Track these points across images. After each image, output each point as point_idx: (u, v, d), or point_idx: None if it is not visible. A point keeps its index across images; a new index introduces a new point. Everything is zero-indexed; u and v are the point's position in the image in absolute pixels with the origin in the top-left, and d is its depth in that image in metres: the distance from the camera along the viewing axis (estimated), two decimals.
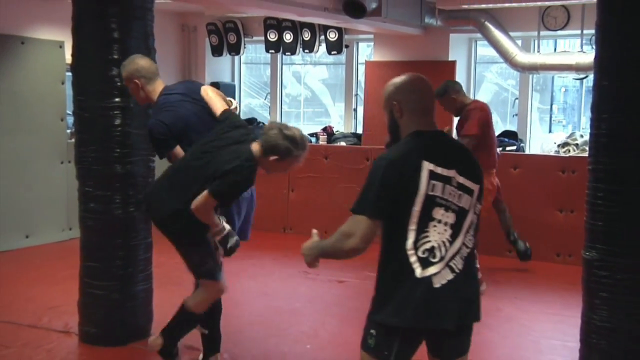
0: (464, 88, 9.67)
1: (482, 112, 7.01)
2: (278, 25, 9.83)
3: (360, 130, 9.96)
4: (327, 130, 10.06)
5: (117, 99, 5.27)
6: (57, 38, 8.59)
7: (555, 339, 5.70)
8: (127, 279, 5.37)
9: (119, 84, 5.24)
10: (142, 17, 5.36)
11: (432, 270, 3.03)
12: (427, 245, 3.06)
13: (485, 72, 10.28)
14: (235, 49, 10.45)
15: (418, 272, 3.05)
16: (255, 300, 6.80)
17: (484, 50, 9.76)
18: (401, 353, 3.17)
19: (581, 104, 9.92)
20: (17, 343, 5.46)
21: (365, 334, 3.30)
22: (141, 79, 4.67)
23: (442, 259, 3.05)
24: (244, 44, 10.47)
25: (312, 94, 12.17)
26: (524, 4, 8.40)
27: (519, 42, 8.99)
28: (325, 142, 9.81)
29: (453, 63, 9.36)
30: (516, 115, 9.76)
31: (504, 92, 10.55)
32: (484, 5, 8.50)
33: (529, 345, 5.72)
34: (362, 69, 10.17)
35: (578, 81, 9.23)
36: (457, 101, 7.10)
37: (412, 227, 3.07)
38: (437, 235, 3.07)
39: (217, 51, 10.50)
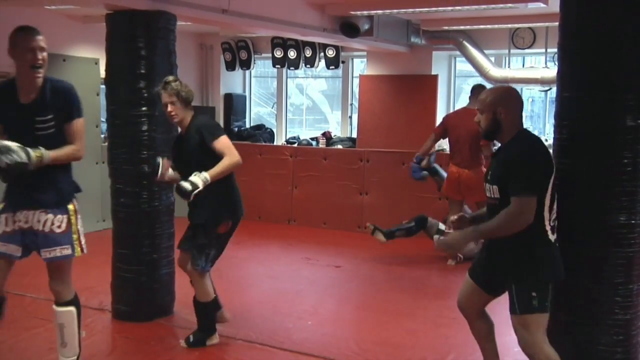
0: (445, 99, 9.78)
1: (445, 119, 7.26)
2: (283, 43, 9.82)
3: (354, 135, 9.95)
4: (326, 135, 10.06)
5: (144, 108, 5.27)
6: (93, 56, 8.59)
7: None
8: (153, 264, 5.38)
9: (145, 95, 5.25)
10: (166, 37, 5.37)
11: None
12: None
13: (463, 85, 10.26)
14: (246, 65, 10.45)
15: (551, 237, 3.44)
16: (262, 282, 6.80)
17: (462, 65, 9.76)
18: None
19: (546, 112, 9.90)
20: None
21: (528, 298, 3.37)
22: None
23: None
24: (254, 60, 10.47)
25: (313, 104, 12.15)
26: (496, 26, 8.45)
27: (492, 58, 8.99)
28: (325, 145, 9.81)
29: (435, 77, 9.36)
30: None
31: None
32: (462, 27, 8.55)
33: (500, 320, 5.69)
34: (356, 81, 10.17)
35: (543, 93, 9.20)
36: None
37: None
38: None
39: (230, 66, 10.49)
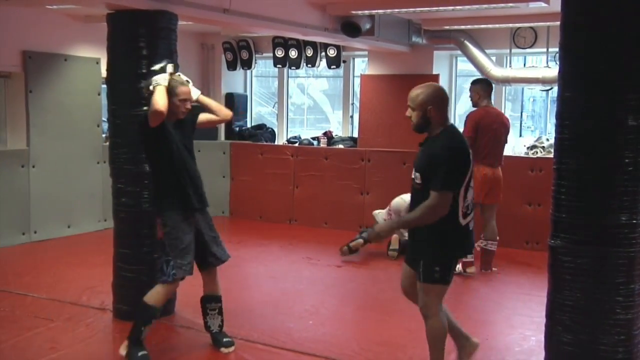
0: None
1: (477, 118, 6.75)
2: (285, 43, 9.82)
3: (356, 134, 9.95)
4: (327, 135, 10.05)
5: (144, 108, 5.22)
6: (94, 55, 8.58)
7: (525, 315, 5.68)
8: (154, 264, 5.33)
9: (146, 94, 5.25)
10: (167, 37, 5.38)
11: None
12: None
13: (464, 84, 10.26)
14: (247, 64, 10.44)
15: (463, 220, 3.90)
16: (264, 282, 6.81)
17: (463, 65, 9.76)
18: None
19: (547, 112, 9.91)
20: (61, 317, 5.48)
21: (431, 271, 3.92)
22: None
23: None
24: (255, 60, 10.46)
25: (314, 103, 12.17)
26: (497, 25, 8.43)
27: (494, 58, 8.98)
28: (326, 145, 9.79)
29: (436, 76, 9.34)
30: None
31: None
32: (463, 27, 8.53)
33: (502, 321, 5.72)
34: (357, 81, 10.17)
35: (544, 92, 9.19)
36: (478, 97, 6.82)
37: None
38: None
39: (231, 66, 10.49)
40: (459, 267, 6.80)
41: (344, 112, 10.52)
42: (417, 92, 3.98)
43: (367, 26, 7.82)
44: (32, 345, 4.85)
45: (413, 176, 4.01)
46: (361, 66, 10.36)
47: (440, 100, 3.95)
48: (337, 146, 9.71)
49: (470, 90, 6.97)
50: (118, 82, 5.38)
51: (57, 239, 8.22)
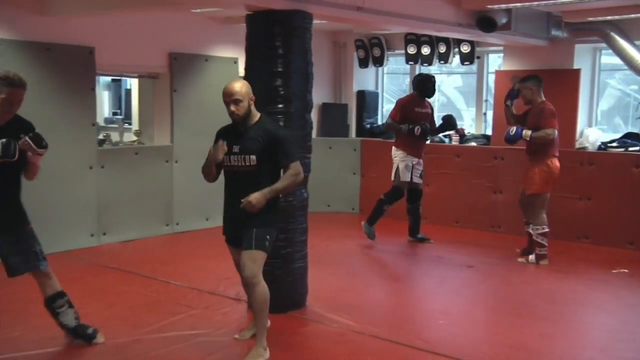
0: (588, 93, 9.34)
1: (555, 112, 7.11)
2: (417, 39, 9.74)
3: (489, 132, 9.72)
4: (459, 132, 9.87)
5: (280, 105, 5.38)
6: (232, 55, 8.89)
7: None
8: (287, 258, 5.47)
9: (282, 92, 5.36)
10: (302, 35, 5.46)
11: None
12: None
13: (608, 79, 9.78)
14: (379, 62, 10.45)
15: None
16: (394, 279, 6.81)
17: (607, 58, 9.27)
18: None
19: None
20: (200, 305, 5.69)
21: (263, 239, 4.37)
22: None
23: None
24: (387, 57, 10.45)
25: (448, 100, 11.95)
26: None
27: None
28: (458, 143, 9.64)
29: (577, 71, 8.94)
30: (639, 118, 9.22)
31: (626, 97, 9.99)
32: (609, 17, 8.04)
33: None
34: (492, 77, 9.91)
35: None
36: (532, 93, 7.17)
37: None
38: None
39: (363, 63, 10.53)
40: (531, 257, 7.18)
41: (477, 109, 10.29)
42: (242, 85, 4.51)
43: (504, 20, 7.60)
44: (174, 330, 5.05)
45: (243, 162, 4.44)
46: (497, 62, 10.09)
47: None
48: (469, 144, 9.52)
49: (522, 88, 7.19)
50: (254, 81, 5.39)
51: (197, 231, 8.54)
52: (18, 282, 4.67)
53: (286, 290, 5.48)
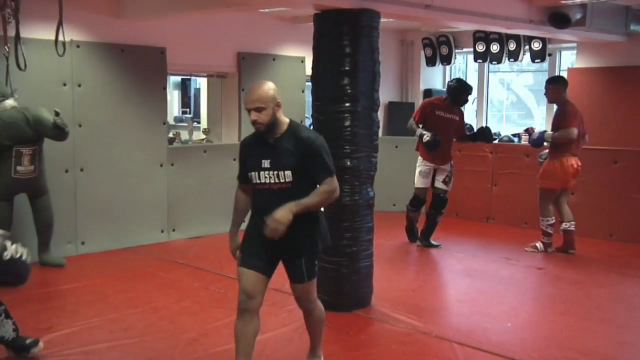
0: None
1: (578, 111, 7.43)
2: (486, 37, 9.59)
3: None
4: (529, 131, 9.65)
5: (347, 104, 5.38)
6: (300, 54, 8.95)
7: None
8: (353, 256, 5.47)
9: (349, 91, 5.35)
10: (369, 34, 5.44)
11: None
12: None
13: None
14: (446, 60, 10.33)
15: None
16: (460, 280, 6.71)
17: None
18: None
19: None
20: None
21: (313, 267, 3.87)
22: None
23: None
24: (455, 55, 10.32)
25: (518, 99, 11.76)
26: None
27: None
28: (527, 142, 9.45)
29: None
30: None
31: None
32: None
33: None
34: (564, 75, 9.67)
35: None
36: (559, 94, 7.42)
37: None
38: None
39: (430, 62, 10.43)
40: (539, 244, 7.58)
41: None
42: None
43: (578, 16, 7.40)
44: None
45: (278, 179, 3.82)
46: (570, 59, 9.84)
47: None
48: None
49: (549, 89, 7.43)
50: (322, 79, 5.52)
51: None
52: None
53: (351, 288, 5.49)
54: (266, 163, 3.75)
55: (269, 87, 3.77)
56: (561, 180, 7.37)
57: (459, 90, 7.58)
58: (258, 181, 3.79)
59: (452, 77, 8.24)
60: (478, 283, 6.54)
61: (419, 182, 7.69)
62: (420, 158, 7.70)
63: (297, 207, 3.61)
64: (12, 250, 2.88)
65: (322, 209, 3.88)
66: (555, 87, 7.44)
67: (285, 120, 3.84)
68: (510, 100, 11.48)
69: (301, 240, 3.78)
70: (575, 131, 7.23)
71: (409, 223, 8.00)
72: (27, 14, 6.14)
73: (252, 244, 3.88)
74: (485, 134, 7.85)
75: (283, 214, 3.57)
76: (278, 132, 3.77)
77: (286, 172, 3.71)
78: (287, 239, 3.67)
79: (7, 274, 2.88)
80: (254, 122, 3.73)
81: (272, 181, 3.73)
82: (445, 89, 10.83)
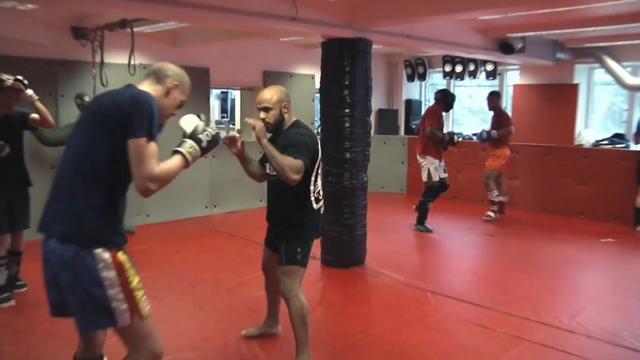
0: (584, 104, 9.07)
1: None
2: (452, 60, 9.55)
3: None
4: (477, 134, 9.54)
5: (347, 110, 5.38)
6: (310, 72, 8.91)
7: None
8: (351, 226, 5.49)
9: (348, 100, 5.35)
10: (364, 57, 5.44)
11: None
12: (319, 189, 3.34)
13: (601, 93, 9.40)
14: (422, 77, 10.30)
15: (315, 206, 3.32)
16: (433, 244, 6.69)
17: (599, 75, 8.91)
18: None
19: None
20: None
21: (294, 254, 3.26)
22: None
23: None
24: (428, 74, 10.29)
25: (479, 107, 11.69)
26: (634, 42, 7.56)
27: (629, 69, 8.14)
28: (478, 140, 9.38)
29: (576, 85, 8.66)
30: (624, 122, 8.88)
31: (614, 106, 9.60)
32: (602, 44, 7.79)
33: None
34: (510, 89, 9.65)
35: None
36: (497, 102, 7.68)
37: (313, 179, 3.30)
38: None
39: (410, 78, 10.40)
40: (490, 213, 7.68)
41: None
42: (271, 93, 3.34)
43: (520, 45, 7.40)
44: (249, 284, 4.94)
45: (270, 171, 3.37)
46: (514, 77, 9.81)
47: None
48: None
49: (490, 99, 7.62)
50: (328, 92, 5.52)
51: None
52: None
53: (350, 251, 5.51)
54: None
55: (276, 91, 3.36)
56: (503, 165, 7.62)
57: (451, 97, 7.24)
58: (268, 172, 3.41)
59: (440, 89, 7.66)
60: (447, 247, 6.56)
61: (436, 176, 6.95)
62: (429, 157, 6.94)
63: (268, 144, 3.15)
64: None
65: (322, 203, 3.39)
66: (494, 98, 7.63)
67: (291, 120, 3.39)
68: (472, 109, 11.42)
69: (284, 229, 3.33)
70: (514, 129, 7.56)
71: (425, 212, 7.20)
72: (108, 45, 6.20)
73: (268, 227, 3.60)
74: (452, 136, 7.19)
75: (259, 127, 3.23)
76: (282, 130, 3.36)
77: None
78: (277, 225, 3.39)
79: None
80: (262, 120, 3.32)
81: (272, 172, 3.31)
82: (422, 99, 10.87)
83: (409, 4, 4.89)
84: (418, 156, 7.04)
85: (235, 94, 10.74)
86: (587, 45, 7.97)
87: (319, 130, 5.73)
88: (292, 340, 3.39)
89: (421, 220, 7.19)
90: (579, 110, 8.83)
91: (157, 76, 2.45)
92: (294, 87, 8.71)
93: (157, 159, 2.17)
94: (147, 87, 2.39)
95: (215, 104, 12.27)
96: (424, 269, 5.64)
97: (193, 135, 2.42)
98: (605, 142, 8.47)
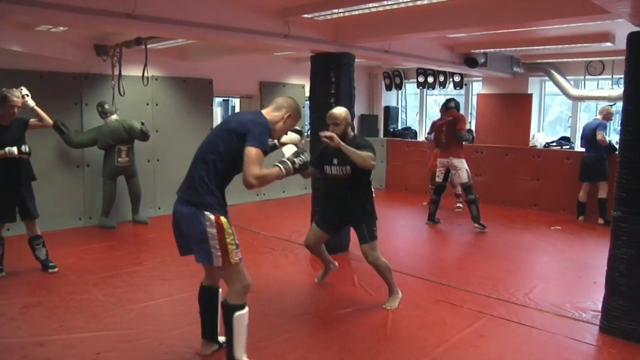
0: (537, 111, 9.27)
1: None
2: (424, 72, 9.66)
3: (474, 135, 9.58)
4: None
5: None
6: (300, 83, 8.94)
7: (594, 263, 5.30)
8: None
9: (334, 106, 5.28)
10: (347, 69, 5.46)
11: None
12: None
13: (550, 102, 9.60)
14: (399, 87, 10.41)
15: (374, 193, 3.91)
16: (410, 233, 6.72)
17: (549, 87, 9.09)
18: None
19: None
20: (279, 248, 5.68)
21: (373, 231, 3.82)
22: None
23: None
24: (404, 84, 10.41)
25: None
26: (575, 60, 7.86)
27: (572, 82, 8.34)
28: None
29: (530, 95, 8.83)
30: (569, 127, 9.07)
31: (562, 114, 9.82)
32: (551, 60, 8.02)
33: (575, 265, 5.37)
34: (475, 98, 9.81)
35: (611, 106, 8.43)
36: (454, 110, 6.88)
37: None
38: None
39: (388, 88, 10.50)
40: (459, 204, 7.65)
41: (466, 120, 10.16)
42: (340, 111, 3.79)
43: (482, 60, 7.54)
44: (262, 264, 5.15)
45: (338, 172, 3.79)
46: (478, 87, 9.98)
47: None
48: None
49: (446, 108, 6.85)
50: (316, 99, 5.50)
51: (276, 200, 8.59)
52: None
53: (336, 239, 5.41)
54: (335, 161, 3.81)
55: (342, 111, 3.79)
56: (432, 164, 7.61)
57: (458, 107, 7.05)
58: (330, 172, 3.84)
59: (451, 98, 7.11)
60: (421, 235, 6.58)
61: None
62: (464, 159, 6.69)
63: (346, 146, 3.58)
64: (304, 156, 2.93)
65: (374, 195, 3.94)
66: (447, 105, 7.06)
67: (351, 134, 3.83)
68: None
69: (361, 215, 3.82)
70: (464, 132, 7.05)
71: (436, 208, 7.00)
72: (125, 60, 6.27)
73: (329, 214, 3.99)
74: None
75: (335, 135, 3.59)
76: (345, 142, 3.68)
77: (347, 167, 3.75)
78: (350, 212, 3.83)
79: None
80: (333, 131, 3.69)
81: (338, 173, 3.79)
82: (399, 106, 10.99)
83: (387, 24, 4.97)
84: (454, 160, 6.61)
85: (235, 102, 10.79)
86: (538, 61, 8.18)
87: (309, 133, 5.74)
88: (280, 340, 3.60)
89: (476, 218, 6.68)
90: (532, 116, 9.02)
91: (277, 106, 2.98)
92: (286, 95, 8.73)
93: (261, 164, 2.67)
94: (268, 112, 2.94)
95: (217, 111, 12.27)
96: (402, 254, 5.67)
97: (290, 159, 2.90)
98: (554, 144, 8.64)
